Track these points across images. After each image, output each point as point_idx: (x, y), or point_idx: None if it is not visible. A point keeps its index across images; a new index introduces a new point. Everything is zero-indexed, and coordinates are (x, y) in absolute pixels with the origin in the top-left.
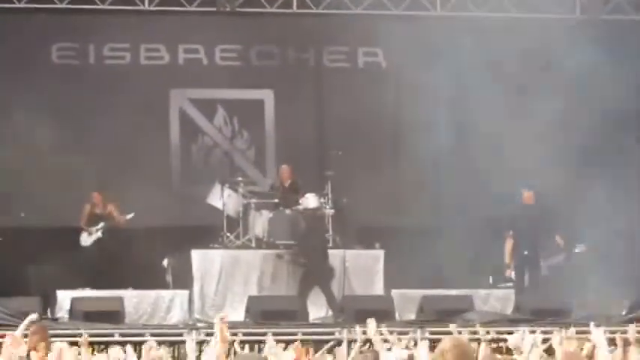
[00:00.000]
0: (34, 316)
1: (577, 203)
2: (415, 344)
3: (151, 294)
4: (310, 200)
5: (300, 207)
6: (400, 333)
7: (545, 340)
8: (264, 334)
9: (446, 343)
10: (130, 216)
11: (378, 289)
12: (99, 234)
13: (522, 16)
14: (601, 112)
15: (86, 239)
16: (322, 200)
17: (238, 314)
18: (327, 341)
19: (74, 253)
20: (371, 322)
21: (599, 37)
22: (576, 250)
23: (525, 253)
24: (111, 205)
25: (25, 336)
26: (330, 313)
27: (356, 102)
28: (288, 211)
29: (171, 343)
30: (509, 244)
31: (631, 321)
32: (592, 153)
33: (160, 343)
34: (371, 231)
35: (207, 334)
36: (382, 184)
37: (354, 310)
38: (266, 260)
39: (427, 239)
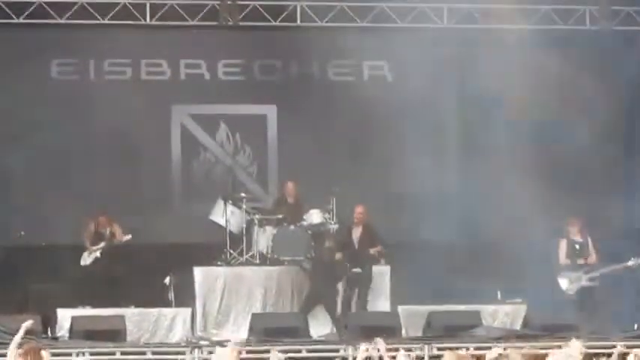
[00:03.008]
0: (28, 323)
1: None
2: None
3: (153, 312)
4: (314, 216)
5: (305, 223)
6: (407, 350)
7: None
8: (269, 352)
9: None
10: (126, 237)
11: (385, 305)
12: (97, 254)
13: (531, 27)
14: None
15: (86, 258)
16: (327, 216)
17: (242, 332)
18: (332, 358)
19: (74, 272)
20: (380, 343)
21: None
22: (629, 264)
23: (358, 270)
24: (115, 225)
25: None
26: (335, 330)
27: (361, 116)
28: (292, 227)
29: None
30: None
31: None
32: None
33: None
34: None
35: (210, 352)
36: (388, 199)
37: (360, 327)
38: (270, 277)
39: (434, 254)
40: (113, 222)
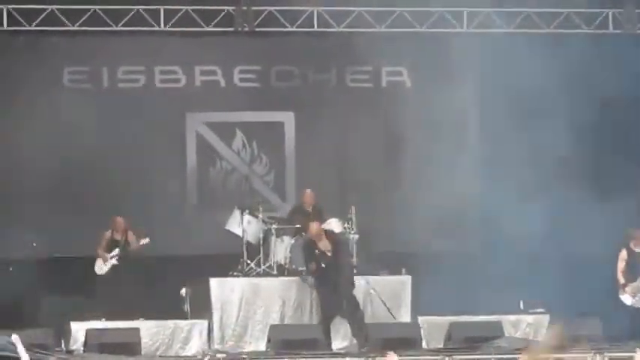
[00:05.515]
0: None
1: None
2: None
3: (169, 324)
4: (333, 225)
5: None
6: None
7: None
8: None
9: None
10: (144, 241)
11: (405, 316)
12: (114, 261)
13: (552, 31)
14: None
15: (101, 267)
16: (346, 225)
17: (260, 344)
18: None
19: (88, 283)
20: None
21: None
22: None
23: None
24: (131, 232)
25: None
26: (355, 342)
27: (379, 123)
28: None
29: None
30: (622, 263)
31: None
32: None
33: None
34: (397, 256)
35: None
36: (407, 208)
37: (380, 339)
38: (288, 288)
39: (455, 264)
40: (128, 229)
